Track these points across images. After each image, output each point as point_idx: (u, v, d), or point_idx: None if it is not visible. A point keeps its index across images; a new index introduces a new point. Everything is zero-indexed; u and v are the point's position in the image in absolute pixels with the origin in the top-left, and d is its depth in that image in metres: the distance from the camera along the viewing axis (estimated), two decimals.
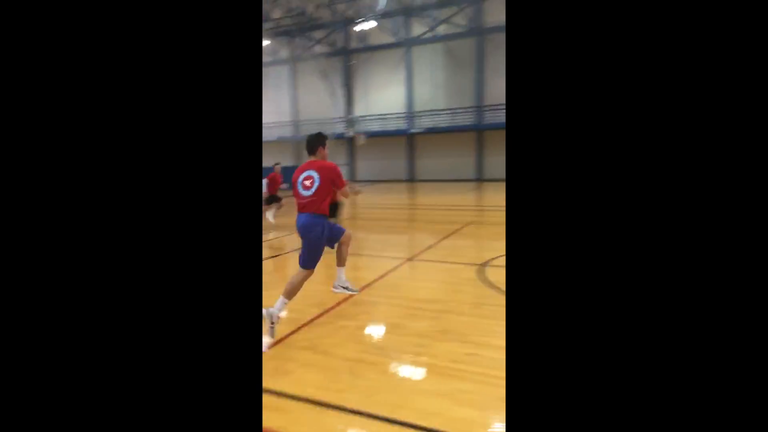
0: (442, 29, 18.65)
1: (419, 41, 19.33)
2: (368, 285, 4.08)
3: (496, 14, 17.47)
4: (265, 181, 7.78)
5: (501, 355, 2.55)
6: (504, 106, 17.94)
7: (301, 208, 2.89)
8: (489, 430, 1.86)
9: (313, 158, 2.95)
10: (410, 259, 5.14)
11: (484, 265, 4.61)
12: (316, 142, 2.93)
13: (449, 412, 1.99)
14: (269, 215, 8.18)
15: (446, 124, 19.17)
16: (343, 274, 3.30)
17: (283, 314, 2.95)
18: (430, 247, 5.73)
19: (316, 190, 2.82)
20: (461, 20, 18.14)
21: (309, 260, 2.91)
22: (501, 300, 3.53)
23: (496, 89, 18.26)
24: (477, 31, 18.11)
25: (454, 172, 19.18)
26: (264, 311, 2.74)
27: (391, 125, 20.33)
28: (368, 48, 20.38)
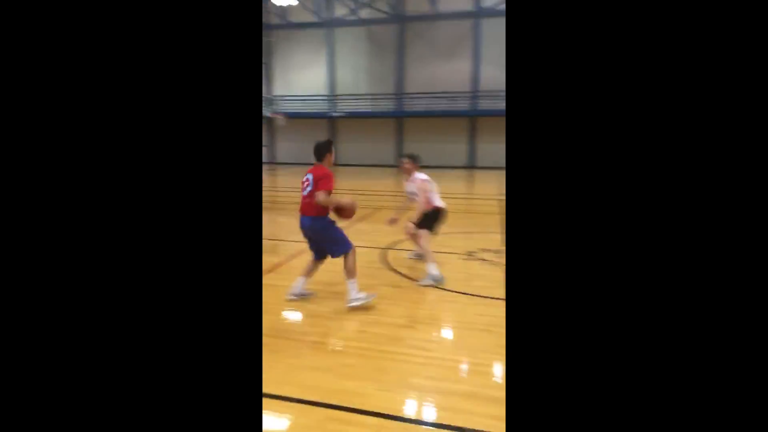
0: (364, 13, 18.58)
1: (341, 23, 19.07)
2: (274, 268, 4.13)
3: (418, 3, 17.82)
4: None
5: (387, 331, 2.81)
6: (423, 94, 18.58)
7: (300, 209, 3.09)
8: (363, 398, 2.07)
9: (318, 163, 3.07)
10: None
11: (386, 248, 4.88)
12: (323, 149, 3.08)
13: (330, 384, 2.17)
14: None
15: (368, 109, 19.31)
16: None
17: (358, 295, 3.13)
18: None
19: (309, 192, 2.99)
20: (383, 6, 18.22)
21: (341, 246, 3.10)
22: (397, 280, 3.81)
23: (417, 77, 18.76)
24: (398, 19, 18.34)
25: (376, 157, 19.47)
26: (353, 290, 3.08)
27: (313, 107, 19.96)
28: (289, 25, 19.63)
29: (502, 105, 17.78)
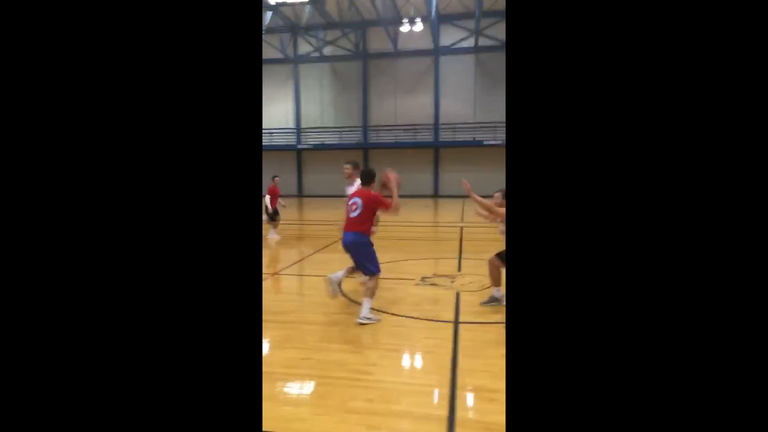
0: (328, 50, 19.23)
1: (306, 59, 19.61)
2: None
3: (379, 42, 18.65)
4: (267, 196, 7.33)
5: (331, 357, 2.82)
6: (387, 127, 19.12)
7: (345, 228, 3.52)
8: (300, 423, 2.08)
9: (362, 188, 3.57)
10: (275, 274, 5.23)
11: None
12: (370, 177, 3.58)
13: (268, 411, 2.16)
14: (273, 233, 7.61)
15: (334, 141, 19.64)
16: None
17: (369, 314, 3.44)
18: (302, 259, 5.88)
19: (359, 215, 3.44)
20: (347, 44, 18.95)
21: (373, 265, 3.48)
22: (346, 306, 3.84)
23: (381, 110, 19.36)
24: (361, 55, 19.08)
25: (342, 189, 19.60)
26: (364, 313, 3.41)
27: (280, 140, 20.11)
28: None
29: (462, 136, 18.52)
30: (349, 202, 3.52)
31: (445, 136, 18.72)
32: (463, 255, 6.19)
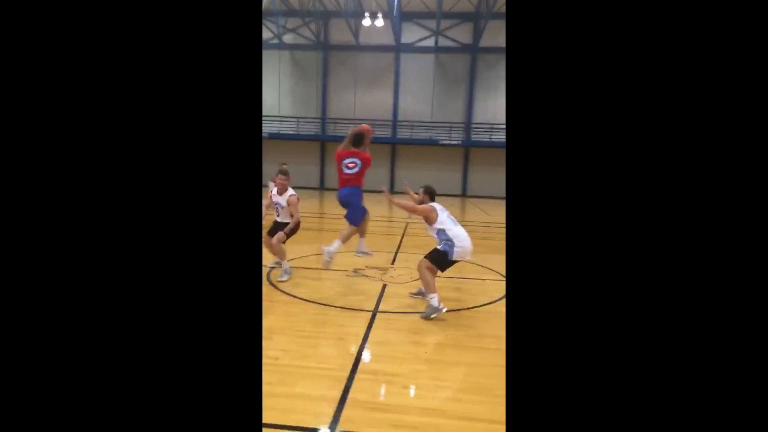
0: (288, 38, 18.88)
1: (266, 45, 19.15)
2: None
3: (341, 34, 18.53)
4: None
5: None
6: (346, 120, 19.08)
7: (343, 183, 4.27)
8: None
9: (355, 148, 4.26)
10: None
11: (271, 267, 4.95)
12: (362, 138, 4.28)
13: None
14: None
15: (292, 132, 19.35)
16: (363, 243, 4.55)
17: (332, 254, 4.23)
18: None
19: (358, 171, 4.23)
20: (308, 33, 18.68)
21: (356, 218, 4.26)
22: (272, 294, 3.90)
23: (340, 103, 19.28)
24: (322, 46, 18.89)
25: (299, 180, 19.42)
26: (323, 248, 4.21)
27: None
28: None
29: (420, 134, 18.81)
30: (347, 161, 4.26)
31: (403, 133, 18.95)
32: (401, 249, 6.39)
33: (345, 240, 4.23)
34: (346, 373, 2.50)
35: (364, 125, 4.43)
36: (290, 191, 4.43)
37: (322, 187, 19.56)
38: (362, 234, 4.53)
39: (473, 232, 4.27)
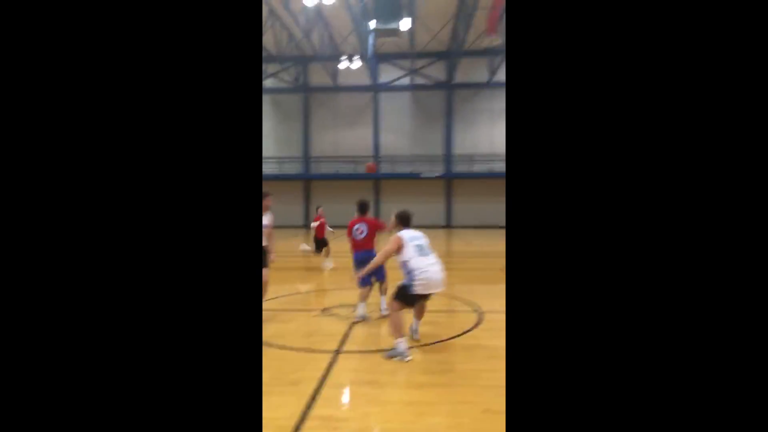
0: (268, 82, 19.42)
1: None
2: None
3: (319, 76, 19.14)
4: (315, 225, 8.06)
5: None
6: (328, 158, 19.36)
7: (356, 248, 4.68)
8: None
9: (363, 216, 4.76)
10: None
11: None
12: (365, 207, 4.86)
13: None
14: (327, 262, 8.03)
15: (274, 172, 19.53)
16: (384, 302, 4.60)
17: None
18: None
19: (366, 236, 4.67)
20: (287, 76, 19.27)
21: (379, 275, 4.50)
22: None
23: (322, 142, 19.62)
24: (303, 89, 19.44)
25: (285, 219, 19.40)
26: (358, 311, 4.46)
27: None
28: None
29: (401, 168, 19.10)
30: (355, 228, 4.69)
31: (385, 168, 19.23)
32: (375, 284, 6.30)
33: (363, 298, 4.44)
34: (294, 422, 2.38)
35: (368, 164, 4.73)
36: (266, 218, 4.37)
37: (306, 227, 19.52)
38: (383, 292, 4.75)
39: (449, 263, 4.24)
